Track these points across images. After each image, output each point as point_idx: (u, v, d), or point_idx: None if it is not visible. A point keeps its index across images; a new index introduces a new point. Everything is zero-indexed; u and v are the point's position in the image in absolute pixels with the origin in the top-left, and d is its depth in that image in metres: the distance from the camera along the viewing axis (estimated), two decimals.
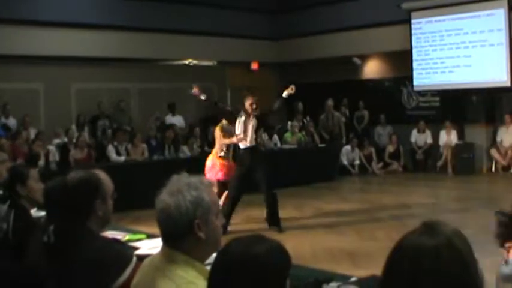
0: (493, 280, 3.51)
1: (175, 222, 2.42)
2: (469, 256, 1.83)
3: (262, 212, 10.80)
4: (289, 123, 18.01)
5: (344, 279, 3.63)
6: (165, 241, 2.51)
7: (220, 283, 2.00)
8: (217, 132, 11.31)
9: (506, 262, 3.02)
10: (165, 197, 2.45)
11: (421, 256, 1.78)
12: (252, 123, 10.64)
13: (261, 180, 10.35)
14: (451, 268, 1.77)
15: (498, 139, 17.60)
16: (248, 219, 11.42)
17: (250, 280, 1.94)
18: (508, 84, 16.83)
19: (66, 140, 14.57)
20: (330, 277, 3.58)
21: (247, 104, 10.77)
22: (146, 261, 2.66)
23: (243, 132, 10.56)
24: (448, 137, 17.93)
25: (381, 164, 18.62)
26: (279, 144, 17.25)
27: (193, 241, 2.43)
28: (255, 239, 2.06)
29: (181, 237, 2.43)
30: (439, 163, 17.95)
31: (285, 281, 2.01)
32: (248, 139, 10.55)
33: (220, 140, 11.19)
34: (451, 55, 17.82)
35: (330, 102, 18.90)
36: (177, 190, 2.44)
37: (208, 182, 2.55)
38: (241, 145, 10.61)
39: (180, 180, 2.49)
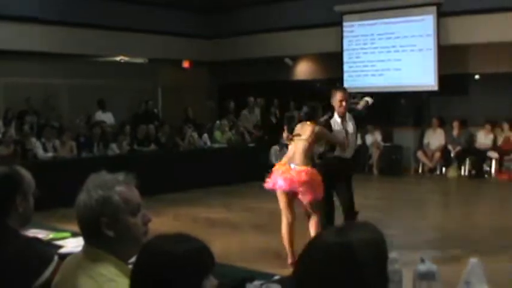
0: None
1: (85, 220, 2.46)
2: (372, 259, 1.80)
3: (190, 210, 10.75)
4: (217, 122, 17.95)
5: (267, 277, 3.63)
6: (84, 239, 2.53)
7: (141, 280, 1.98)
8: (319, 132, 8.07)
9: (423, 260, 3.07)
10: (79, 196, 2.48)
11: (325, 254, 1.78)
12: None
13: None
14: (349, 269, 1.76)
15: (425, 142, 17.94)
16: (175, 217, 11.37)
17: (169, 279, 1.93)
18: (436, 88, 17.20)
19: None
20: (253, 275, 3.58)
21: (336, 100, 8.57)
22: (68, 259, 2.64)
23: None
24: (374, 139, 18.20)
25: None
26: (209, 143, 17.20)
27: (107, 239, 2.44)
28: (178, 238, 2.05)
29: (94, 235, 2.45)
30: (368, 164, 18.19)
31: (204, 281, 2.00)
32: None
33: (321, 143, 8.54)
34: (381, 58, 18.09)
35: (251, 99, 19.14)
36: (86, 189, 2.47)
37: (128, 179, 2.53)
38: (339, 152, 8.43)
39: (94, 179, 2.52)
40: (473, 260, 3.06)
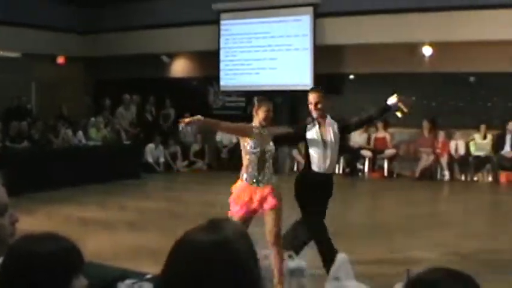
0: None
1: None
2: (248, 255, 1.82)
3: (63, 209, 10.50)
4: (92, 119, 17.59)
5: (140, 276, 3.59)
6: None
7: (7, 282, 1.91)
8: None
9: (291, 256, 3.10)
10: None
11: (198, 252, 1.76)
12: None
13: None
14: (227, 266, 1.75)
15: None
16: (48, 216, 11.08)
17: (36, 280, 1.87)
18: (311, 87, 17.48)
19: None
20: (125, 274, 3.53)
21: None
22: None
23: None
24: None
25: (185, 162, 18.71)
26: (84, 141, 16.85)
27: None
28: (45, 238, 1.99)
29: None
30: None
31: (73, 281, 1.95)
32: None
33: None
34: (257, 57, 18.25)
35: (127, 96, 18.96)
36: None
37: None
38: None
39: None
40: (341, 256, 3.12)
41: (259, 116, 6.72)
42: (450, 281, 1.74)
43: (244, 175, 6.43)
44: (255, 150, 6.38)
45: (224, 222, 1.87)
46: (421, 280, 1.77)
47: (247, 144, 6.38)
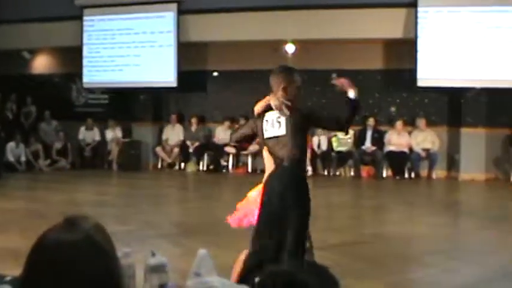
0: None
1: None
2: (109, 251, 1.85)
3: None
4: None
5: None
6: None
7: None
8: None
9: (153, 254, 3.17)
10: None
11: (59, 252, 1.77)
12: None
13: None
14: (90, 264, 1.78)
15: (164, 137, 18.26)
16: None
17: None
18: (175, 84, 17.53)
19: None
20: None
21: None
22: None
23: None
24: (114, 135, 18.22)
25: (48, 161, 18.33)
26: None
27: None
28: None
29: None
30: (107, 160, 18.17)
31: None
32: None
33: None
34: (121, 54, 18.11)
35: None
36: None
37: None
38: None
39: None
40: (202, 251, 3.19)
41: None
42: (306, 272, 1.83)
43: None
44: None
45: (81, 219, 1.87)
46: (277, 272, 1.84)
47: None
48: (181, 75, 17.51)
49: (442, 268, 7.24)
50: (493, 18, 15.67)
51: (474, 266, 7.37)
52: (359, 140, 17.05)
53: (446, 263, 7.46)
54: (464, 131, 16.51)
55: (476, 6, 15.81)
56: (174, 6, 17.54)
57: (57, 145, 18.61)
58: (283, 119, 5.61)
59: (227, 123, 17.74)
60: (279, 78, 5.63)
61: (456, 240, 9.49)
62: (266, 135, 5.80)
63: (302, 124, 5.63)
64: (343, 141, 17.05)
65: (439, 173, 16.80)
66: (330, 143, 17.21)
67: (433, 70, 16.05)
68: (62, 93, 19.60)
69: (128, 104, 18.60)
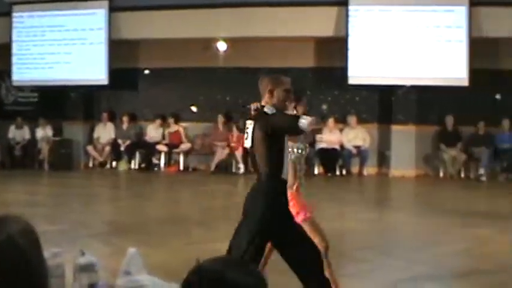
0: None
1: None
2: (32, 254, 1.83)
3: None
4: None
5: None
6: None
7: None
8: None
9: (83, 253, 3.16)
10: None
11: None
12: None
13: None
14: (8, 265, 1.76)
15: (95, 136, 18.07)
16: None
17: None
18: (106, 82, 17.39)
19: None
20: None
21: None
22: None
23: None
24: (44, 133, 17.95)
25: None
26: None
27: None
28: None
29: None
30: (38, 159, 17.90)
31: None
32: None
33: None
34: (51, 51, 17.85)
35: None
36: None
37: None
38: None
39: None
40: (131, 250, 3.19)
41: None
42: (232, 268, 1.84)
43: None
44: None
45: (7, 220, 1.86)
46: (205, 268, 1.85)
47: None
48: (112, 73, 17.35)
49: (374, 264, 7.36)
50: (423, 17, 16.00)
51: (405, 261, 7.51)
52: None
53: (377, 259, 7.59)
54: (395, 128, 16.78)
55: (406, 6, 16.13)
56: (106, 3, 17.36)
57: None
58: (250, 128, 4.91)
59: (158, 121, 17.67)
60: (265, 81, 4.96)
61: (387, 235, 9.66)
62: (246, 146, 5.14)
63: (266, 133, 4.79)
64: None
65: (370, 169, 17.05)
66: None
67: (364, 68, 16.27)
68: None
69: (59, 102, 18.33)
